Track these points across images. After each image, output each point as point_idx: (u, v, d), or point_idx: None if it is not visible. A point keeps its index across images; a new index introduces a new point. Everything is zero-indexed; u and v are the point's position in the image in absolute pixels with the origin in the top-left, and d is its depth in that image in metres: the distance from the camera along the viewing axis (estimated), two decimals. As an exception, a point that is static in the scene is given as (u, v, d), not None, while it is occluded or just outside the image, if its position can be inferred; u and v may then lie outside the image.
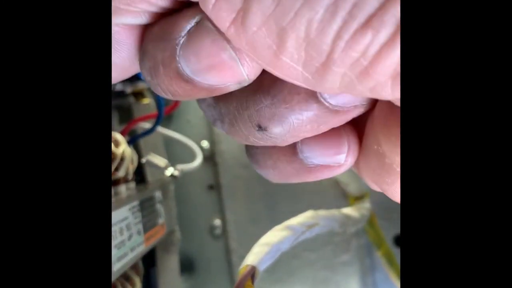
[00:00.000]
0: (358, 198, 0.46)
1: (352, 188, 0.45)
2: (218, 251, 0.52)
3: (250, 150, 0.18)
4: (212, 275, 0.52)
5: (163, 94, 0.15)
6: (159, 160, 0.33)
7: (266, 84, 0.15)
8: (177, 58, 0.13)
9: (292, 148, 0.16)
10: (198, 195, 0.51)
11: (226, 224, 0.51)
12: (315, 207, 0.50)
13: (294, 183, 0.48)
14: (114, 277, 0.30)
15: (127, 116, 0.41)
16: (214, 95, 0.14)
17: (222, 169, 0.50)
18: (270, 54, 0.12)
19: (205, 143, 0.50)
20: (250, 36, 0.12)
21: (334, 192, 0.49)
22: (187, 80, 0.14)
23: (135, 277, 0.38)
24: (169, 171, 0.33)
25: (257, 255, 0.26)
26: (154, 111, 0.42)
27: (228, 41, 0.13)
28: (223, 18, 0.12)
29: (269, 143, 0.16)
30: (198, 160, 0.37)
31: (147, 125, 0.41)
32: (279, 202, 0.50)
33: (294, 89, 0.14)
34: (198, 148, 0.38)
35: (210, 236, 0.52)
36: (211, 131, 0.51)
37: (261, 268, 0.25)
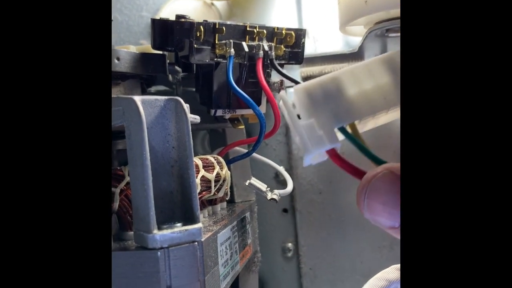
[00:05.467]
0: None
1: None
2: (290, 273, 0.53)
3: None
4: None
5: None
6: (260, 185, 0.35)
7: None
8: None
9: None
10: (273, 217, 0.53)
11: (298, 248, 0.52)
12: (387, 239, 0.51)
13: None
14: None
15: (219, 139, 0.44)
16: None
17: (298, 194, 0.52)
18: None
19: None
20: None
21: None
22: None
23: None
24: (269, 195, 0.35)
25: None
26: (244, 136, 0.44)
27: None
28: None
29: None
30: (290, 186, 0.39)
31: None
32: (351, 230, 0.51)
33: None
34: (288, 175, 0.40)
35: (282, 257, 0.53)
36: (289, 156, 0.52)
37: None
